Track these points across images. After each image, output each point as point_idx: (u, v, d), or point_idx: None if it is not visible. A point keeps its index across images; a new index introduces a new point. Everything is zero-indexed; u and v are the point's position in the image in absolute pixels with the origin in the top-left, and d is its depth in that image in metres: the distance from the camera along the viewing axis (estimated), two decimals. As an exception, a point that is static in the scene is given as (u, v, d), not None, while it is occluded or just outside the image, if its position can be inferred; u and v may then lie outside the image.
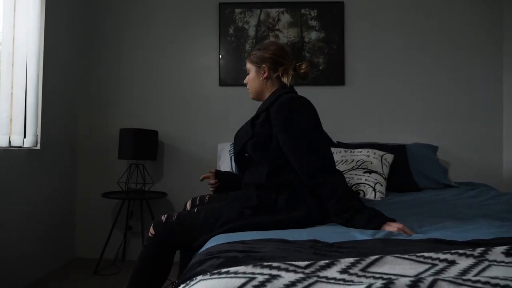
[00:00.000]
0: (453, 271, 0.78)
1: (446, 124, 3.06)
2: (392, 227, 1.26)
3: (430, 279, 0.69)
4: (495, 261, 0.84)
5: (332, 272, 0.76)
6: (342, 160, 2.42)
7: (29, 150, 2.45)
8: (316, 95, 3.10)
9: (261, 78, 1.68)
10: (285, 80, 1.69)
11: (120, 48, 3.18)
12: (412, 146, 2.79)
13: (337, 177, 1.43)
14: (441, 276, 0.75)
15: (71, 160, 3.05)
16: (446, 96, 3.07)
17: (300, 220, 1.39)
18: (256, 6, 3.14)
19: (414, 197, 2.14)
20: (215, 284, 0.71)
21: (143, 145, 2.83)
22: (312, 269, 0.77)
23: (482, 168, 3.02)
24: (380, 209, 1.64)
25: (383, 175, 2.32)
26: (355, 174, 2.29)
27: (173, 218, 1.47)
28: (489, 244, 0.98)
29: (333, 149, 2.56)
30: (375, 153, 2.44)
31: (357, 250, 0.94)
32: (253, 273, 0.73)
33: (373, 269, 0.79)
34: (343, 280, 0.74)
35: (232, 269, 0.76)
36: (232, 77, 3.13)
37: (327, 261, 0.80)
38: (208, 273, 0.77)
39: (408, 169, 2.57)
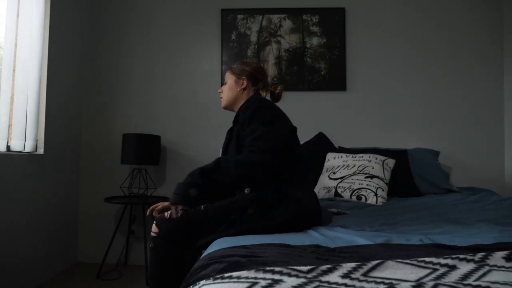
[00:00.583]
0: (454, 276, 0.79)
1: (448, 129, 3.07)
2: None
3: (431, 283, 0.70)
4: (495, 266, 0.84)
5: (334, 277, 0.77)
6: (344, 165, 2.43)
7: (30, 155, 2.46)
8: (318, 101, 3.13)
9: (238, 88, 1.77)
10: (263, 94, 1.79)
11: (123, 53, 3.20)
12: (413, 151, 2.80)
13: (245, 161, 1.44)
14: (442, 281, 0.76)
15: (74, 165, 3.06)
16: (447, 101, 3.08)
17: (294, 218, 1.42)
18: (258, 12, 3.16)
19: (415, 202, 2.14)
20: (218, 289, 0.72)
21: (145, 150, 2.85)
22: (314, 273, 0.78)
23: (484, 173, 3.02)
24: (382, 214, 1.66)
25: (385, 180, 2.33)
26: (357, 179, 2.30)
27: (178, 214, 1.48)
28: (490, 249, 0.99)
29: (335, 154, 2.58)
30: (376, 158, 2.45)
31: (359, 255, 0.95)
32: (255, 278, 0.74)
33: (375, 274, 0.80)
34: (345, 284, 0.75)
35: (235, 273, 0.77)
36: (234, 83, 3.14)
37: (329, 266, 0.81)
38: (211, 278, 0.78)
39: (410, 174, 2.58)
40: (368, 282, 0.76)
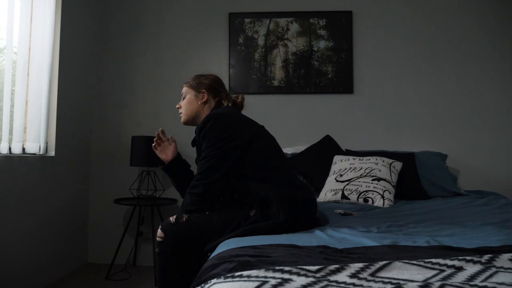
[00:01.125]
0: (460, 277, 0.80)
1: (455, 132, 3.06)
2: None
3: (437, 284, 0.71)
4: (502, 267, 0.85)
5: (342, 277, 0.79)
6: (351, 168, 2.44)
7: (43, 157, 2.51)
8: (325, 104, 3.15)
9: (199, 102, 1.77)
10: (225, 103, 1.81)
11: (132, 57, 3.25)
12: (421, 154, 2.80)
13: (189, 202, 1.56)
14: (449, 281, 0.77)
15: (84, 167, 3.11)
16: (455, 104, 3.08)
17: (288, 216, 1.43)
18: (265, 16, 3.19)
19: (422, 205, 2.14)
20: (229, 287, 0.74)
21: (154, 152, 2.86)
22: (322, 273, 0.80)
23: (492, 176, 3.01)
24: (388, 216, 1.67)
25: (392, 183, 2.34)
26: (364, 182, 2.31)
27: (183, 219, 1.51)
28: (497, 251, 1.00)
29: (342, 157, 2.59)
30: (383, 161, 2.46)
31: (366, 255, 0.96)
32: (265, 277, 0.76)
33: (382, 274, 0.81)
34: (353, 284, 0.76)
35: (245, 272, 0.79)
36: (241, 86, 3.17)
37: (337, 266, 0.82)
38: (222, 277, 0.80)
39: (417, 177, 2.58)
40: (375, 282, 0.78)
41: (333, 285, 0.74)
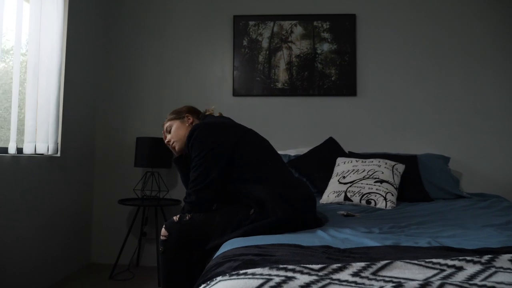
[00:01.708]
0: (460, 277, 0.82)
1: (458, 134, 3.07)
2: None
3: (438, 282, 0.73)
4: (501, 268, 0.87)
5: (344, 275, 0.81)
6: (354, 170, 2.46)
7: (50, 157, 2.54)
8: (328, 106, 3.17)
9: (187, 125, 1.84)
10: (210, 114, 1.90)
11: (137, 59, 3.28)
12: (423, 157, 2.81)
13: (187, 207, 1.63)
14: (449, 280, 0.79)
15: (89, 167, 3.14)
16: (458, 107, 3.09)
17: (284, 214, 1.47)
18: (269, 18, 3.21)
19: (424, 207, 2.16)
20: (234, 285, 0.76)
21: (158, 153, 2.90)
22: (325, 271, 0.82)
23: (494, 180, 3.01)
24: (391, 218, 1.69)
25: (394, 185, 2.35)
26: (366, 184, 2.33)
27: (187, 218, 1.54)
28: (497, 252, 1.01)
29: (345, 159, 2.61)
30: (386, 163, 2.47)
31: (368, 255, 0.98)
32: (269, 275, 0.78)
33: (383, 273, 0.83)
34: (355, 282, 0.78)
35: (249, 270, 0.81)
36: (245, 88, 3.20)
37: (339, 265, 0.84)
38: (227, 274, 0.82)
39: (420, 179, 2.59)
40: (377, 280, 0.79)
41: (336, 283, 0.76)
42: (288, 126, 3.16)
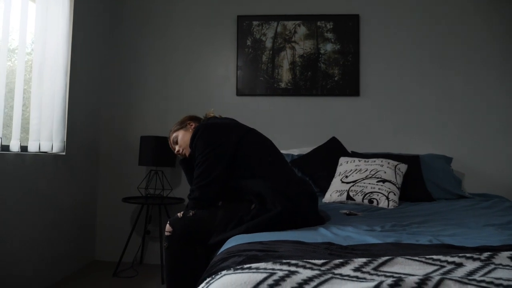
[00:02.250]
0: (459, 273, 0.84)
1: (461, 135, 3.08)
2: None
3: (437, 277, 0.75)
4: (500, 264, 0.89)
5: (346, 270, 0.83)
6: (356, 169, 2.47)
7: (55, 156, 2.57)
8: (331, 106, 3.18)
9: (190, 130, 1.90)
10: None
11: (142, 58, 3.31)
12: (426, 157, 2.82)
13: (191, 203, 1.67)
14: (448, 276, 0.80)
15: (93, 166, 3.17)
16: (460, 108, 3.10)
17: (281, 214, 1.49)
18: (273, 18, 3.23)
19: (426, 207, 2.17)
20: (238, 278, 0.78)
21: (162, 152, 2.93)
22: (327, 266, 0.83)
23: (497, 180, 3.02)
24: (393, 217, 1.71)
25: (397, 185, 2.36)
26: (369, 183, 2.34)
27: (190, 214, 1.58)
28: (497, 249, 1.03)
29: (347, 159, 2.63)
30: (388, 163, 2.49)
31: (370, 252, 1.00)
32: (273, 269, 0.80)
33: (385, 268, 0.85)
34: (356, 277, 0.80)
35: (253, 265, 0.83)
36: (249, 87, 3.22)
37: (341, 260, 0.86)
38: (231, 269, 0.84)
39: (422, 179, 2.61)
40: (378, 275, 0.81)
41: (338, 278, 0.78)
42: (291, 126, 3.18)
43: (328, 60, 3.20)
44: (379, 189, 2.29)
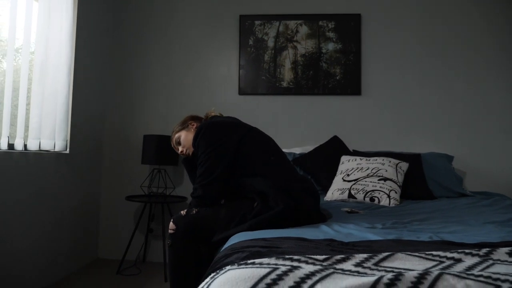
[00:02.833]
0: (458, 268, 0.85)
1: (462, 133, 3.09)
2: None
3: (436, 272, 0.77)
4: (499, 260, 0.90)
5: (348, 265, 0.84)
6: (358, 168, 2.49)
7: (58, 154, 2.59)
8: (333, 105, 3.20)
9: (192, 130, 1.94)
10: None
11: (144, 58, 3.33)
12: (427, 155, 2.84)
13: (194, 201, 1.69)
14: (447, 271, 0.82)
15: (97, 164, 3.19)
16: (461, 106, 3.11)
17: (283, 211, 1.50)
18: (275, 18, 3.25)
19: (427, 205, 2.19)
20: (242, 273, 0.80)
21: (165, 151, 2.95)
22: (329, 262, 0.85)
23: (498, 178, 3.03)
24: (394, 214, 1.73)
25: (398, 183, 2.38)
26: (370, 181, 2.36)
27: (193, 212, 1.60)
28: (495, 245, 1.05)
29: (349, 157, 2.64)
30: (390, 161, 2.51)
31: (371, 248, 1.02)
32: (276, 264, 0.82)
33: (385, 263, 0.87)
34: (357, 272, 0.82)
35: (257, 260, 0.85)
36: (251, 87, 3.24)
37: (343, 256, 0.88)
38: (235, 264, 0.86)
39: (423, 178, 2.62)
40: (378, 270, 0.83)
41: (339, 272, 0.80)
42: (293, 125, 3.20)
43: (330, 59, 3.21)
44: (380, 187, 2.31)
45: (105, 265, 3.05)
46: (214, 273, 0.86)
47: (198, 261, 1.61)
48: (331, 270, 0.81)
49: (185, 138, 1.93)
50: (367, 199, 2.29)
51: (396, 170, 2.45)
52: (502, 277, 0.77)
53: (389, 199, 2.24)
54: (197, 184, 1.68)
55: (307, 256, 0.87)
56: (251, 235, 1.23)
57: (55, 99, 2.51)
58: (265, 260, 0.85)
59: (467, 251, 0.94)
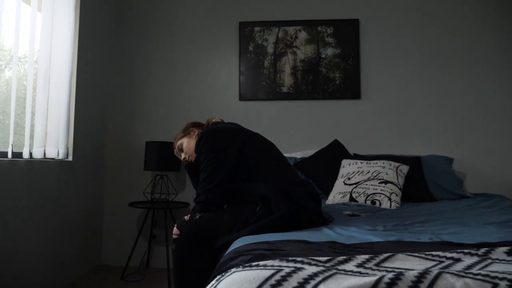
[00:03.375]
0: (457, 267, 0.88)
1: (462, 136, 3.12)
2: None
3: (436, 271, 0.79)
4: (497, 259, 0.93)
5: (349, 266, 0.87)
6: (359, 171, 2.51)
7: (61, 162, 2.62)
8: (333, 109, 3.23)
9: (194, 137, 1.97)
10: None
11: (147, 66, 3.37)
12: (427, 158, 2.86)
13: (197, 206, 1.72)
14: (446, 270, 0.84)
15: (100, 171, 3.22)
16: (461, 109, 3.14)
17: (287, 211, 1.53)
18: (274, 24, 3.29)
19: (428, 207, 2.21)
20: (248, 275, 0.82)
21: (167, 157, 2.97)
22: (331, 263, 0.88)
23: (498, 180, 3.05)
24: (395, 217, 1.75)
25: (398, 186, 2.40)
26: (371, 185, 2.38)
27: (197, 217, 1.62)
28: (494, 245, 1.07)
29: (350, 161, 2.67)
30: (390, 164, 2.53)
31: (372, 249, 1.04)
32: (280, 266, 0.84)
33: (386, 264, 0.89)
34: (359, 272, 0.84)
35: (261, 262, 0.87)
36: (251, 92, 3.27)
37: (344, 257, 0.90)
38: (240, 266, 0.88)
39: (424, 180, 2.64)
40: (379, 270, 0.85)
41: (341, 273, 0.82)
42: (293, 129, 3.22)
43: (329, 64, 3.25)
44: (381, 190, 2.33)
45: (108, 271, 3.07)
46: (219, 275, 0.88)
47: (202, 265, 1.63)
48: (334, 271, 0.83)
49: (187, 145, 1.95)
50: (368, 202, 2.31)
51: (397, 173, 2.47)
52: (500, 275, 0.79)
53: (390, 202, 2.26)
54: (200, 189, 1.71)
55: (310, 257, 0.89)
56: (255, 239, 1.25)
57: (58, 107, 2.54)
58: (269, 262, 0.87)
59: (466, 251, 0.96)
